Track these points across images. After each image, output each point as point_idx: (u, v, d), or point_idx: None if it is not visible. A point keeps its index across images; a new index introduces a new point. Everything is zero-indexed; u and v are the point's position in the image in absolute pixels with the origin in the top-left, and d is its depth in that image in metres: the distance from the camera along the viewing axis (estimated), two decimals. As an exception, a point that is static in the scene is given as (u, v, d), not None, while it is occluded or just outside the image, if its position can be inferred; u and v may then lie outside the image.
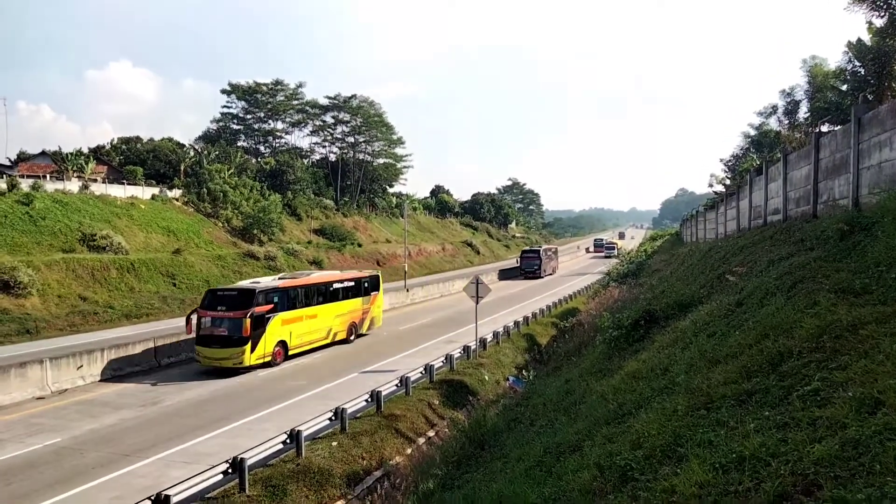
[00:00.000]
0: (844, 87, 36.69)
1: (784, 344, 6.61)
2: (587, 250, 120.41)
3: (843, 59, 36.87)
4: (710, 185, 60.86)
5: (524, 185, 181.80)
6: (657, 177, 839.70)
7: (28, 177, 48.32)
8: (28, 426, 16.07)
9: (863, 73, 32.87)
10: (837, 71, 37.88)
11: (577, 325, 31.72)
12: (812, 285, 8.28)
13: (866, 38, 30.15)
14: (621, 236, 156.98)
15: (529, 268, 65.21)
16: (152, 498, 10.18)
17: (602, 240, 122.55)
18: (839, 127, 14.94)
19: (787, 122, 51.20)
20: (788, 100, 49.85)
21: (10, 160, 60.08)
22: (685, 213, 67.12)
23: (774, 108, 51.72)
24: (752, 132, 54.58)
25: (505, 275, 63.89)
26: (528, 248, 78.20)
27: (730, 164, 58.82)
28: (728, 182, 51.40)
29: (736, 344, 7.77)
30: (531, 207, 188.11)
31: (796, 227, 13.73)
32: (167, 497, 10.20)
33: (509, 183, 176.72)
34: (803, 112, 48.50)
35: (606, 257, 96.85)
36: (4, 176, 46.18)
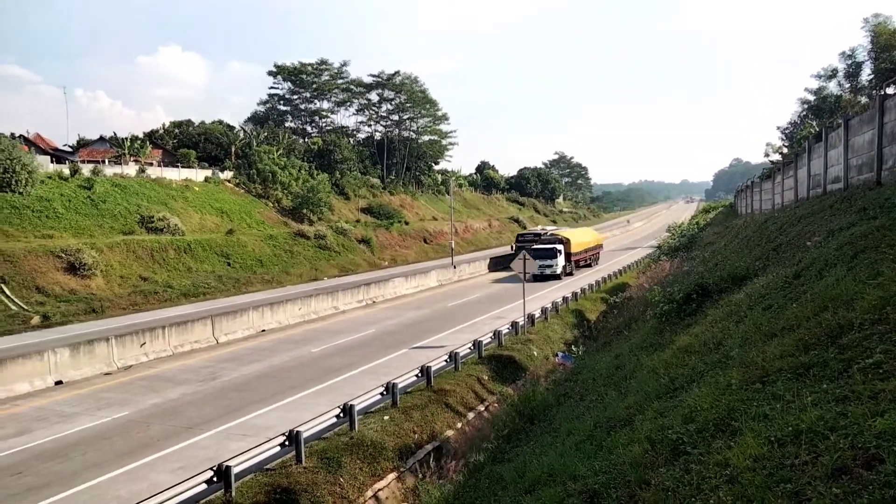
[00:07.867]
0: (913, 46, 34.77)
1: (844, 316, 6.41)
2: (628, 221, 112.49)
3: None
4: (767, 155, 58.88)
5: (571, 158, 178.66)
6: (710, 147, 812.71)
7: (88, 162, 50.29)
8: (98, 400, 16.93)
9: (934, 30, 31.03)
10: (905, 29, 35.89)
11: (627, 300, 31.34)
12: (875, 255, 7.98)
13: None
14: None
15: None
16: (214, 469, 10.62)
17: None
18: (906, 89, 14.18)
19: (848, 85, 48.89)
20: (850, 62, 47.56)
21: (70, 147, 62.55)
22: (739, 184, 64.96)
23: (834, 72, 49.44)
24: (811, 97, 52.38)
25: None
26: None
27: (787, 131, 56.68)
28: (785, 150, 49.60)
29: (793, 316, 7.57)
30: (579, 181, 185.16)
31: (858, 196, 13.21)
32: (228, 468, 10.63)
33: (556, 157, 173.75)
34: (866, 74, 46.22)
35: (539, 279, 39.54)
36: (67, 161, 48.21)
